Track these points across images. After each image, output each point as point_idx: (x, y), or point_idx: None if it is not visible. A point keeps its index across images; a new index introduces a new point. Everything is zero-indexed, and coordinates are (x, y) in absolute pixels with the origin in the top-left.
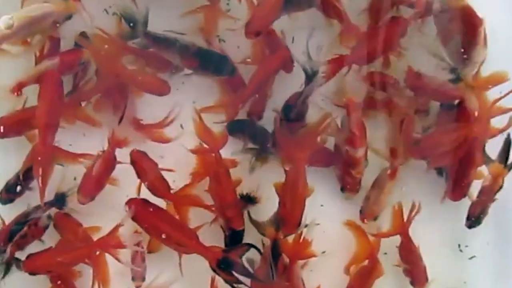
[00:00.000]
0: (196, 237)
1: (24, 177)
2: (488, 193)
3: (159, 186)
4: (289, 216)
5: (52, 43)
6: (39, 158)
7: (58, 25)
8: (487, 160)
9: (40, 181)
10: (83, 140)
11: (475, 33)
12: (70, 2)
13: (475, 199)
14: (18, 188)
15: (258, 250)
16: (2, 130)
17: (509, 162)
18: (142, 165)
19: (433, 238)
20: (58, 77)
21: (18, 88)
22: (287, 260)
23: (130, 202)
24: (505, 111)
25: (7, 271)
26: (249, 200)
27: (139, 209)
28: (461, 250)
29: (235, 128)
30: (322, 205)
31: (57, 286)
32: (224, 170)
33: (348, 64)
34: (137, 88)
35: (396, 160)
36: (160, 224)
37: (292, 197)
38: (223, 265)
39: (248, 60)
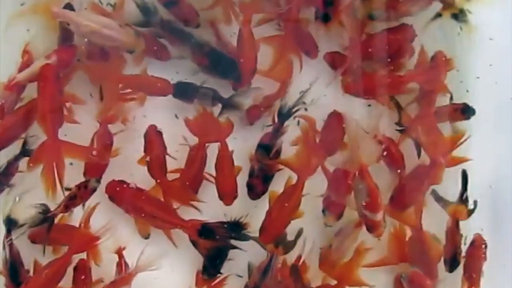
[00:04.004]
0: (175, 212)
1: (5, 173)
2: (454, 233)
3: (158, 168)
4: (271, 226)
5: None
6: (51, 155)
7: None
8: (443, 203)
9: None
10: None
11: None
12: (140, 41)
13: (445, 244)
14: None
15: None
16: None
17: (466, 198)
18: (152, 143)
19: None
20: (56, 71)
21: (13, 86)
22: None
23: (107, 185)
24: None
25: (40, 223)
26: (237, 227)
27: (116, 190)
28: None
29: (180, 91)
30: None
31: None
32: (229, 158)
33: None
34: (140, 92)
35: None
36: (138, 202)
37: (280, 210)
38: (203, 234)
39: None
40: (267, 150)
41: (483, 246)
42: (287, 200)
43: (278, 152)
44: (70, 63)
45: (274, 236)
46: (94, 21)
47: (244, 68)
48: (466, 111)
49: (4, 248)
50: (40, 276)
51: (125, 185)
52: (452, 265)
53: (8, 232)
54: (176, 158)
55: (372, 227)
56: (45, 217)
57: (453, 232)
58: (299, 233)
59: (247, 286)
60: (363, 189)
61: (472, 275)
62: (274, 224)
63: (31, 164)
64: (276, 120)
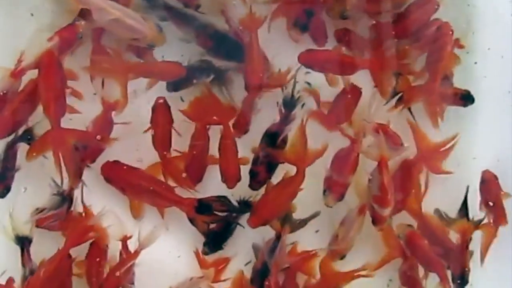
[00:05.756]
0: (172, 189)
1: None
2: (463, 251)
3: (163, 141)
4: (262, 209)
5: None
6: (58, 144)
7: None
8: (447, 222)
9: (65, 168)
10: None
11: None
12: (161, 36)
13: (454, 261)
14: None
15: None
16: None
17: (472, 217)
18: (159, 116)
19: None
20: (57, 57)
21: (19, 73)
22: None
23: (102, 166)
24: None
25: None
26: (246, 205)
27: (111, 170)
28: None
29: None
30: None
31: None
32: (232, 142)
33: None
34: (153, 78)
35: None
36: (134, 181)
37: (274, 197)
38: (201, 210)
39: None
40: (273, 138)
41: (494, 179)
42: (283, 189)
43: (285, 141)
44: (74, 42)
45: (263, 221)
46: (119, 9)
47: (250, 83)
48: (466, 98)
49: (23, 265)
50: (39, 275)
51: (120, 165)
52: (460, 283)
53: (23, 250)
54: (181, 135)
55: (378, 221)
56: (63, 197)
57: (462, 249)
58: (314, 215)
59: (255, 267)
60: (377, 181)
61: (492, 207)
62: (265, 209)
63: (32, 154)
64: (283, 109)
